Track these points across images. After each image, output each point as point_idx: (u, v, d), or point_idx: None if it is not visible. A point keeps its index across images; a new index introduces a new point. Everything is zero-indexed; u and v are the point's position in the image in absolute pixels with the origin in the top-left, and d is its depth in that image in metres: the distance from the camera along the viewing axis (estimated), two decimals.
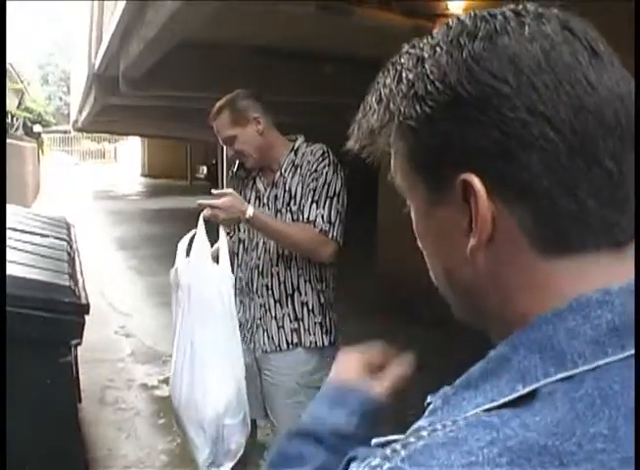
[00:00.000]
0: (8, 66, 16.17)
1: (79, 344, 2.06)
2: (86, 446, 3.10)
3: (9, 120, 12.82)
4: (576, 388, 0.42)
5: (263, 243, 2.29)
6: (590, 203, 0.47)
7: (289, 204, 2.24)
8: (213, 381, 2.13)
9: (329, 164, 2.19)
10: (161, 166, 28.17)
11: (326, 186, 2.18)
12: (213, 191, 2.20)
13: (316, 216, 2.16)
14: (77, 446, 2.25)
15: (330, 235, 2.16)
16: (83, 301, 2.18)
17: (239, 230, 2.39)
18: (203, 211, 2.14)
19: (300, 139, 2.33)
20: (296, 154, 2.27)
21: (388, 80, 0.54)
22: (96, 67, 8.15)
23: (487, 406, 0.44)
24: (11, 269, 2.17)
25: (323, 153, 2.23)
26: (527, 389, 0.43)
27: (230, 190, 2.21)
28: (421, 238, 0.57)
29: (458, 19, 0.52)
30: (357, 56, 5.86)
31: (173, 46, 5.11)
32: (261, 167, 2.35)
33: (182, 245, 2.19)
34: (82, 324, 2.04)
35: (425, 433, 0.43)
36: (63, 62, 49.34)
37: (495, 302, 0.52)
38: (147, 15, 4.86)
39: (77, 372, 3.09)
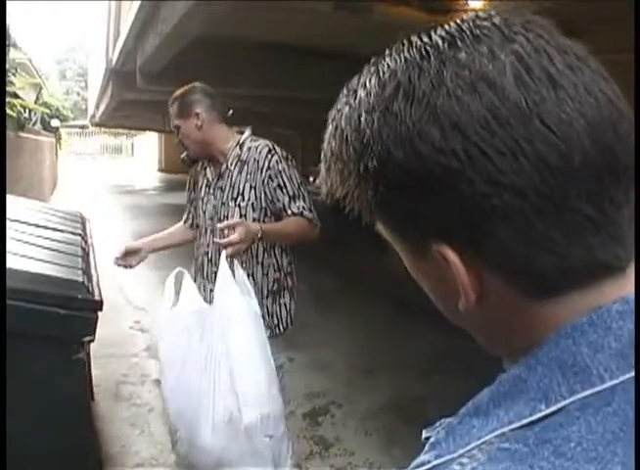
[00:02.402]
0: (26, 61, 16.28)
1: (92, 340, 2.04)
2: (100, 442, 3.10)
3: (26, 115, 12.90)
4: (608, 403, 0.39)
5: (211, 231, 2.38)
6: (573, 252, 0.43)
7: (235, 199, 2.35)
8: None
9: (280, 161, 2.32)
10: (178, 162, 28.06)
11: (290, 179, 2.31)
12: (219, 225, 2.12)
13: (298, 208, 2.30)
14: (90, 443, 2.24)
15: (314, 221, 2.34)
16: (97, 297, 2.16)
17: (196, 215, 2.55)
18: (221, 249, 2.06)
19: (247, 133, 2.44)
20: (241, 148, 2.39)
21: (337, 141, 0.49)
22: (113, 62, 8.20)
23: (503, 430, 0.41)
24: (25, 264, 2.17)
25: (269, 150, 2.34)
26: (552, 408, 0.40)
27: (239, 220, 2.18)
28: (415, 279, 0.53)
29: (388, 65, 0.47)
30: (374, 53, 5.82)
31: (190, 41, 5.11)
32: (209, 158, 2.48)
33: (168, 288, 2.17)
34: (95, 321, 2.02)
35: None
36: (80, 57, 49.71)
37: (499, 337, 0.50)
38: (163, 11, 4.87)
39: (90, 369, 3.09)
